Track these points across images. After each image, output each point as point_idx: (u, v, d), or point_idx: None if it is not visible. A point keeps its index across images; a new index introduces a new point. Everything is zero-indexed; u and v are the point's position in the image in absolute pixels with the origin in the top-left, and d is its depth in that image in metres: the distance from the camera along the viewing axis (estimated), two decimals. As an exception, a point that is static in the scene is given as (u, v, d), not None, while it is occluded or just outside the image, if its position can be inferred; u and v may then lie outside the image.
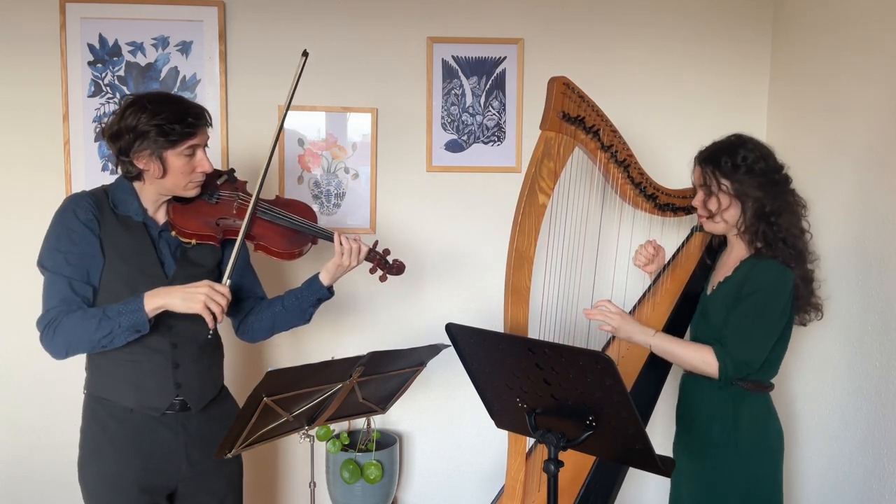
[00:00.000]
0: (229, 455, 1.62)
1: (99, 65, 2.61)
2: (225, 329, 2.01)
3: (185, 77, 2.64)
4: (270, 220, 1.93)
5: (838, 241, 2.27)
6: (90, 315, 1.70)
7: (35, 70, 2.59)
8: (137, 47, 2.62)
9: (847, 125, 2.25)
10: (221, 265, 1.95)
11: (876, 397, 2.09)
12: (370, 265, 2.00)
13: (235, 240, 1.86)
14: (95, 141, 2.63)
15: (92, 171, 2.63)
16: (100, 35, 2.60)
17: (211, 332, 1.76)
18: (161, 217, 1.87)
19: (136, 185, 1.83)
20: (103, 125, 1.81)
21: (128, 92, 2.62)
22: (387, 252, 2.02)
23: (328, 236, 1.94)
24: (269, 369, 1.49)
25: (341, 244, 1.91)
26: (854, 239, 2.20)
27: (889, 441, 2.03)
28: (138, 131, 1.72)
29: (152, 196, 1.84)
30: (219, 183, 1.95)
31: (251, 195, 1.91)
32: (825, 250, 2.32)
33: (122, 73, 2.62)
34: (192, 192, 1.85)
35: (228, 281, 1.79)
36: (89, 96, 2.62)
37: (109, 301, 1.75)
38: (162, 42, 2.62)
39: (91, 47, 2.60)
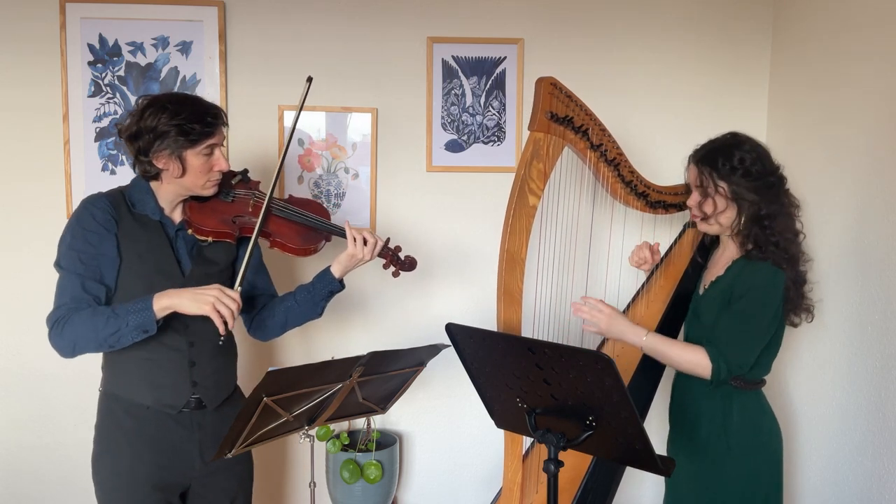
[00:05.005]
0: (229, 455, 1.62)
1: (99, 65, 2.61)
2: (237, 328, 2.01)
3: (185, 77, 2.64)
4: (286, 218, 1.95)
5: (839, 241, 2.27)
6: (99, 312, 1.70)
7: (35, 70, 2.59)
8: (137, 47, 2.62)
9: (847, 125, 2.24)
10: (236, 263, 1.97)
11: (876, 397, 2.09)
12: (384, 261, 2.01)
13: (250, 238, 1.88)
14: (95, 141, 2.63)
15: (92, 171, 2.63)
16: (100, 35, 2.60)
17: (223, 337, 1.75)
18: (177, 216, 1.89)
19: (153, 184, 1.86)
20: (119, 126, 1.83)
21: (128, 92, 2.63)
22: (398, 249, 2.04)
23: (342, 233, 1.96)
24: (270, 369, 1.49)
25: (354, 237, 1.91)
26: (854, 239, 2.20)
27: (889, 441, 2.03)
28: (158, 131, 1.75)
29: (170, 195, 1.86)
30: (233, 182, 1.97)
31: (265, 194, 1.94)
32: (825, 250, 2.32)
33: (122, 73, 2.62)
34: (209, 191, 1.87)
35: (240, 288, 1.80)
36: (89, 96, 2.62)
37: (127, 299, 1.76)
38: (162, 42, 2.62)
39: (91, 47, 2.60)
